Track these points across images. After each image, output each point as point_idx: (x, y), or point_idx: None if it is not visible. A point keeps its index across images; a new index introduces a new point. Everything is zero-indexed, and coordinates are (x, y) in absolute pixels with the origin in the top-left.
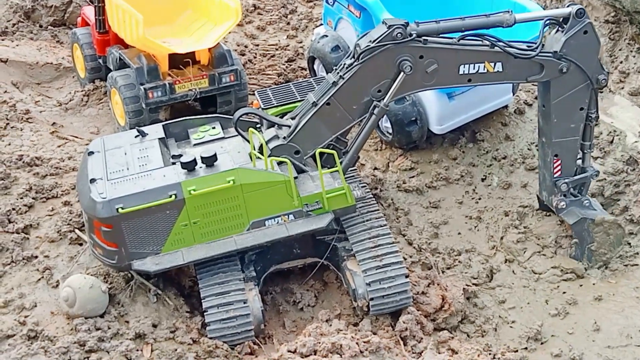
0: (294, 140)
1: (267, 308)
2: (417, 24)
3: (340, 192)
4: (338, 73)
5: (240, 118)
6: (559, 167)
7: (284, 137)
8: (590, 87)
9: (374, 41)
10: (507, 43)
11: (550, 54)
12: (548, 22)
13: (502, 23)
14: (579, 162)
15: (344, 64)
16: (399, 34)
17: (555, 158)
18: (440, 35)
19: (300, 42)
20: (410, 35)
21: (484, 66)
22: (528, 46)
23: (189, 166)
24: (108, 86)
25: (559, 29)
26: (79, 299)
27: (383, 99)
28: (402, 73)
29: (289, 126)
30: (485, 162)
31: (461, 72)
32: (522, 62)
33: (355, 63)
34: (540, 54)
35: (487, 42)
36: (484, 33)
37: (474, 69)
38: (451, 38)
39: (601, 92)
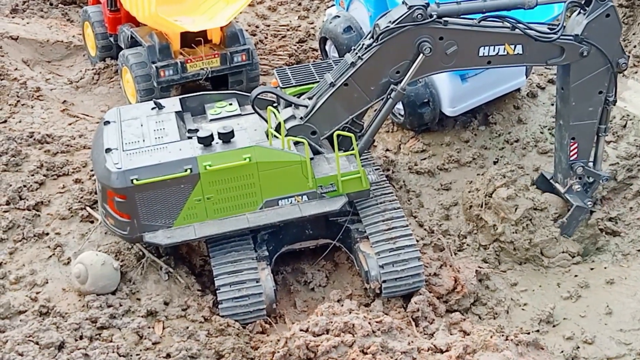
0: (311, 120)
1: (278, 288)
2: (438, 5)
3: (355, 176)
4: (356, 53)
5: (258, 96)
6: (576, 150)
7: (301, 117)
8: (610, 70)
9: (394, 22)
10: (528, 25)
11: (571, 37)
12: (570, 4)
13: (523, 5)
14: (591, 164)
15: (363, 44)
16: (419, 15)
17: (572, 141)
18: (461, 17)
19: (312, 23)
20: (431, 16)
21: (504, 48)
22: (549, 29)
23: (206, 141)
24: (119, 64)
25: (581, 11)
26: (91, 276)
27: (401, 81)
28: (421, 55)
29: (306, 106)
30: (498, 145)
31: (481, 54)
32: (543, 45)
33: (375, 44)
34: (561, 37)
35: (508, 24)
36: (504, 15)
37: (494, 51)
38: (471, 19)
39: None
